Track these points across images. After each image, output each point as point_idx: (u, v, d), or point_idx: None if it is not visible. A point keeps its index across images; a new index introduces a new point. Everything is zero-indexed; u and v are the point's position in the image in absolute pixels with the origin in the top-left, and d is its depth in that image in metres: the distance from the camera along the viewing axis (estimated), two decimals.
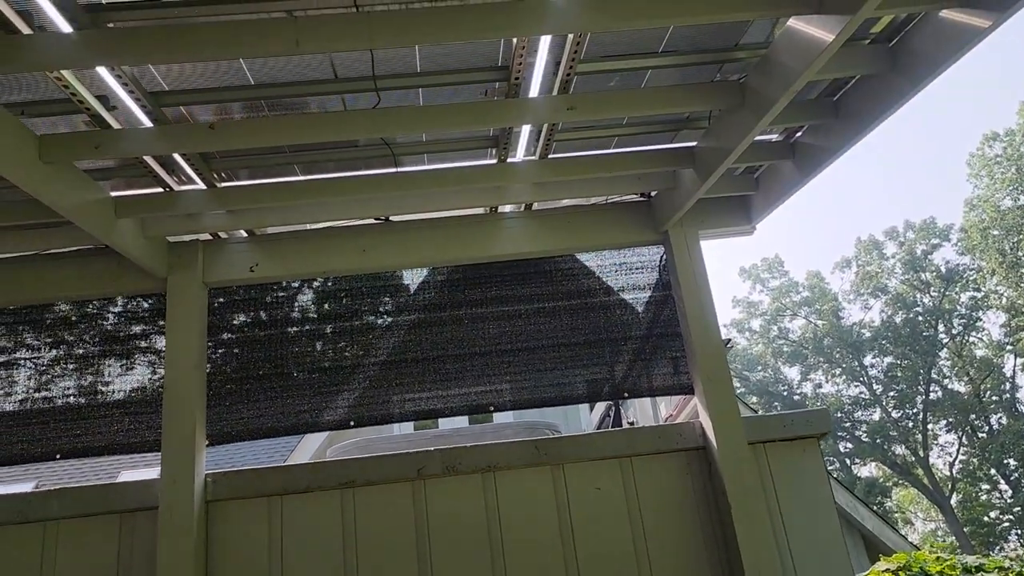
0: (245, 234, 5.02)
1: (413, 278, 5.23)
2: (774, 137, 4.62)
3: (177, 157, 4.00)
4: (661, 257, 5.29)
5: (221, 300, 5.09)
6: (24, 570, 4.42)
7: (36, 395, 4.92)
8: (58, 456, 4.78)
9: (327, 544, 4.52)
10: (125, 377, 4.99)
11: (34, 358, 4.99)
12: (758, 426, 4.81)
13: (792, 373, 46.11)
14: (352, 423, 4.89)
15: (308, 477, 4.66)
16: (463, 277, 5.22)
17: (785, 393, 44.99)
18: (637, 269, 5.31)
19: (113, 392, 4.94)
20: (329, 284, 5.20)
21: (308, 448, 13.26)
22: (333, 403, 4.95)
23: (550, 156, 4.46)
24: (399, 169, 4.44)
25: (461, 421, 15.18)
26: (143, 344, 5.06)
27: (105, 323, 5.08)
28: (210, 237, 4.96)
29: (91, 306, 5.08)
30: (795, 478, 4.72)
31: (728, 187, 5.02)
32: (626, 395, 5.11)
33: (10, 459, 4.82)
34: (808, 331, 45.72)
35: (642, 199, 5.24)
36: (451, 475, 4.68)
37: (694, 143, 4.51)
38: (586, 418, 17.04)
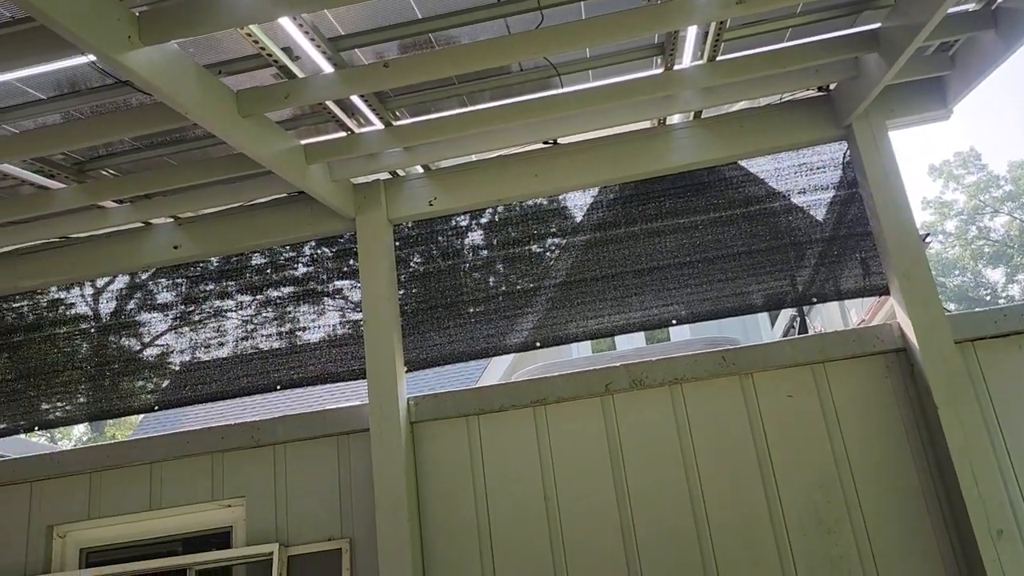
0: (421, 170, 5.22)
1: (585, 199, 5.25)
2: (971, 6, 4.19)
3: (356, 100, 4.20)
4: (844, 153, 5.00)
5: (404, 235, 5.35)
6: (263, 484, 4.96)
7: (254, 335, 5.43)
8: (278, 387, 5.27)
9: (524, 457, 4.74)
10: (328, 314, 5.39)
11: (245, 303, 5.49)
12: (965, 322, 4.51)
13: (995, 275, 42.42)
14: (537, 344, 5.05)
15: (502, 396, 4.88)
16: (635, 193, 5.18)
17: (988, 297, 41.54)
18: (818, 169, 5.05)
19: (320, 327, 5.36)
20: (504, 212, 5.32)
21: (493, 377, 13.79)
22: (517, 326, 5.12)
23: (719, 58, 4.29)
24: (564, 90, 4.43)
25: (639, 342, 15.23)
26: (340, 282, 5.42)
27: (306, 265, 5.48)
28: (390, 175, 5.20)
29: (291, 250, 5.49)
30: (1011, 377, 4.41)
31: (918, 69, 4.63)
32: (814, 300, 4.93)
33: (237, 392, 5.37)
34: (1013, 228, 41.71)
35: (820, 93, 4.94)
36: (638, 389, 4.74)
37: (877, 24, 4.18)
38: (767, 332, 16.58)
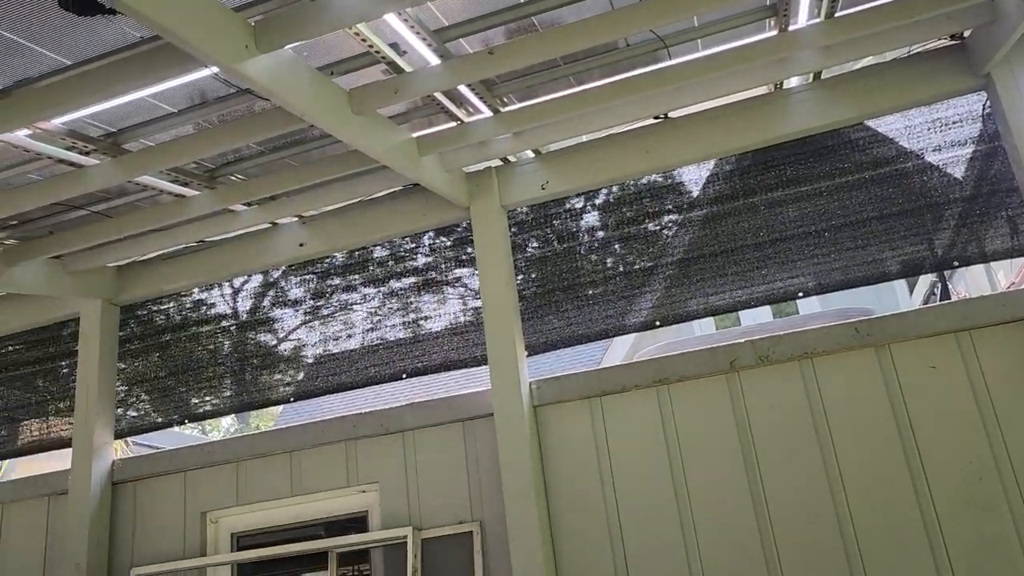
0: (532, 154, 5.21)
1: (700, 172, 5.11)
2: None
3: (464, 89, 4.24)
4: (984, 105, 4.64)
5: (520, 220, 5.37)
6: (395, 469, 5.12)
7: (379, 325, 5.60)
8: (404, 376, 5.42)
9: (648, 438, 4.68)
10: (449, 302, 5.49)
11: (369, 295, 5.66)
12: None
13: None
14: (657, 323, 4.97)
15: (623, 377, 4.84)
16: (752, 163, 4.99)
17: None
18: (954, 123, 4.72)
19: (441, 316, 5.46)
20: (618, 191, 5.24)
21: (616, 358, 13.72)
22: (636, 306, 5.05)
23: (837, 14, 4.06)
24: (673, 62, 4.32)
25: (765, 316, 14.75)
26: (460, 271, 5.51)
27: (425, 256, 5.59)
28: (501, 162, 5.23)
29: (411, 241, 5.62)
30: None
31: None
32: (955, 264, 4.62)
33: (366, 382, 5.55)
34: None
35: (953, 42, 4.60)
36: (765, 365, 4.59)
37: None
38: (904, 300, 15.72)
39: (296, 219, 5.65)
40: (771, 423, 4.50)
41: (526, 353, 5.09)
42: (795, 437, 4.44)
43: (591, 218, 5.30)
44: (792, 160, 4.94)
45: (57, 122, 3.85)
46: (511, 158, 5.22)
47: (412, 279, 5.58)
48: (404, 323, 5.57)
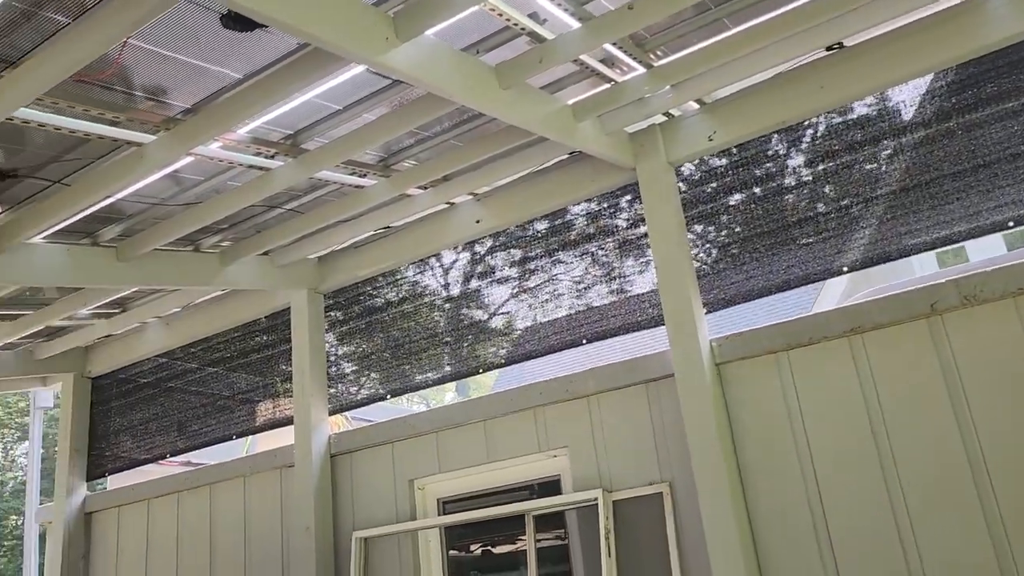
0: (696, 105, 5.02)
1: (886, 101, 4.68)
2: None
3: (611, 49, 4.16)
4: None
5: (687, 174, 5.21)
6: (582, 433, 5.20)
7: (562, 294, 5.68)
8: (584, 341, 5.47)
9: (842, 392, 4.41)
10: (624, 262, 5.45)
11: (554, 264, 5.75)
12: None
13: None
14: (844, 268, 4.64)
15: (810, 329, 4.58)
16: (947, 83, 4.50)
17: None
18: None
19: (616, 279, 5.44)
20: (795, 131, 4.93)
21: (828, 305, 12.98)
22: (823, 252, 4.74)
23: None
24: None
25: (997, 249, 13.30)
26: (629, 235, 5.45)
27: (600, 219, 5.58)
28: (664, 117, 5.09)
29: (586, 207, 5.63)
30: None
31: None
32: None
33: (550, 349, 5.66)
34: None
35: None
36: (972, 305, 4.16)
37: None
38: None
39: (470, 197, 5.83)
40: (983, 369, 4.08)
41: (705, 310, 4.96)
42: (1012, 383, 4.00)
43: (769, 162, 5.02)
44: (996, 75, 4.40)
45: (241, 132, 4.23)
46: (674, 112, 5.06)
47: (590, 245, 5.58)
48: (585, 289, 5.60)
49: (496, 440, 5.55)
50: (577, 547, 5.17)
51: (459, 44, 3.81)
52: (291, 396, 6.51)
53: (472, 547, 5.91)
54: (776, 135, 4.97)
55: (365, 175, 5.12)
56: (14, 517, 25.74)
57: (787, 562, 4.40)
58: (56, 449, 8.20)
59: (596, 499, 4.97)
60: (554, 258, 5.72)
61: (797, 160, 4.90)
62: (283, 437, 6.54)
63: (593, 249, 5.57)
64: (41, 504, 11.39)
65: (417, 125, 4.39)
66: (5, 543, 26.59)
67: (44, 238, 5.07)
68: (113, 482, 8.83)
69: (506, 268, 5.94)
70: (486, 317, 6.04)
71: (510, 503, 5.39)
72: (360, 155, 4.77)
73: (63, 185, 4.42)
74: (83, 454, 7.84)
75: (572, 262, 5.66)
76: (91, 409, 8.06)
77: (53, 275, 5.20)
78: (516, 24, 3.68)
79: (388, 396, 6.30)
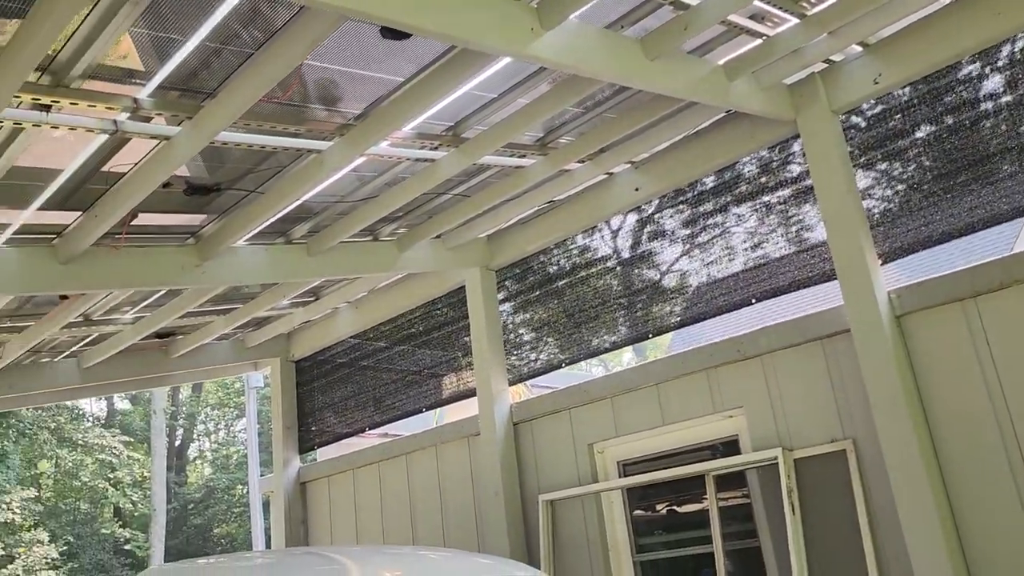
0: (859, 48, 4.80)
1: None
2: None
3: (760, 4, 4.07)
4: None
5: (852, 121, 5.00)
6: (757, 393, 5.19)
7: (726, 252, 5.64)
8: (754, 300, 5.42)
9: None
10: (793, 216, 5.32)
11: (723, 222, 5.71)
12: None
13: None
14: None
15: (999, 272, 4.32)
16: None
17: None
18: None
19: (784, 235, 5.34)
20: (991, 54, 4.58)
21: None
22: (1011, 189, 4.43)
23: None
24: None
25: None
26: (797, 188, 5.31)
27: (759, 177, 5.48)
28: (824, 64, 4.90)
29: (746, 165, 5.54)
30: None
31: None
32: None
33: (721, 310, 5.64)
34: None
35: None
36: None
37: None
38: None
39: (628, 166, 5.89)
40: None
41: (881, 261, 4.78)
42: None
43: (947, 100, 4.71)
44: None
45: (407, 129, 4.53)
46: (835, 58, 4.86)
47: (752, 202, 5.50)
48: (751, 247, 5.53)
49: (670, 403, 5.63)
50: (760, 505, 5.18)
51: (602, 22, 3.89)
52: (473, 369, 6.88)
53: (656, 507, 6.06)
54: (951, 69, 4.66)
55: (524, 155, 5.31)
56: (240, 487, 28.71)
57: (987, 520, 4.21)
58: (270, 425, 9.14)
59: (776, 458, 4.96)
60: (721, 216, 5.66)
61: (984, 89, 4.57)
62: (469, 408, 6.94)
63: (760, 204, 5.48)
64: (262, 476, 12.69)
65: (570, 104, 4.51)
66: (235, 510, 29.72)
67: (246, 241, 5.66)
68: (322, 454, 9.69)
69: (675, 227, 5.94)
70: (657, 277, 6.09)
71: (691, 464, 5.48)
72: (518, 137, 4.95)
73: (258, 193, 4.93)
74: (294, 431, 8.67)
75: (740, 217, 5.59)
76: (297, 389, 8.88)
77: (256, 274, 5.81)
78: None
79: (564, 363, 6.53)
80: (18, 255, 4.87)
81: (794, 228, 5.31)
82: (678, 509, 5.94)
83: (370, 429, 8.25)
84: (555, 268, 6.68)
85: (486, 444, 6.47)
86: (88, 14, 3.04)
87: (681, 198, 5.88)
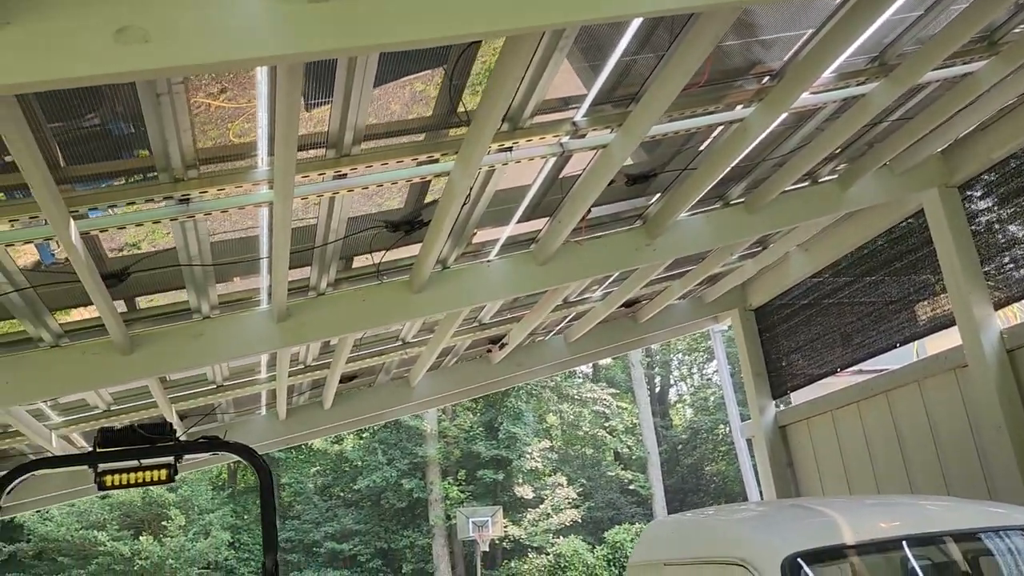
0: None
1: None
2: None
3: None
4: None
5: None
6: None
7: None
8: None
9: None
10: None
11: None
12: None
13: None
14: None
15: None
16: None
17: None
18: None
19: None
20: None
21: None
22: None
23: None
24: None
25: None
26: None
27: None
28: None
29: None
30: None
31: None
32: None
33: None
34: None
35: None
36: None
37: None
38: None
39: None
40: None
41: None
42: None
43: None
44: None
45: (826, 75, 4.36)
46: None
47: None
48: None
49: None
50: None
51: None
52: (947, 296, 6.33)
53: None
54: None
55: (968, 61, 4.74)
56: (722, 426, 29.80)
57: None
58: (739, 367, 9.46)
59: None
60: None
61: None
62: (952, 337, 6.40)
63: None
64: (740, 418, 13.07)
65: None
66: (721, 448, 31.00)
67: (687, 213, 5.97)
68: (796, 397, 9.73)
69: None
70: None
71: None
72: (956, 47, 4.45)
73: (690, 170, 5.18)
74: (763, 377, 8.85)
75: None
76: (760, 336, 9.04)
77: (702, 241, 6.09)
78: None
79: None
80: (507, 264, 5.81)
81: None
82: None
83: (841, 369, 8.06)
84: None
85: (977, 375, 5.92)
86: (531, 61, 3.48)
87: None
